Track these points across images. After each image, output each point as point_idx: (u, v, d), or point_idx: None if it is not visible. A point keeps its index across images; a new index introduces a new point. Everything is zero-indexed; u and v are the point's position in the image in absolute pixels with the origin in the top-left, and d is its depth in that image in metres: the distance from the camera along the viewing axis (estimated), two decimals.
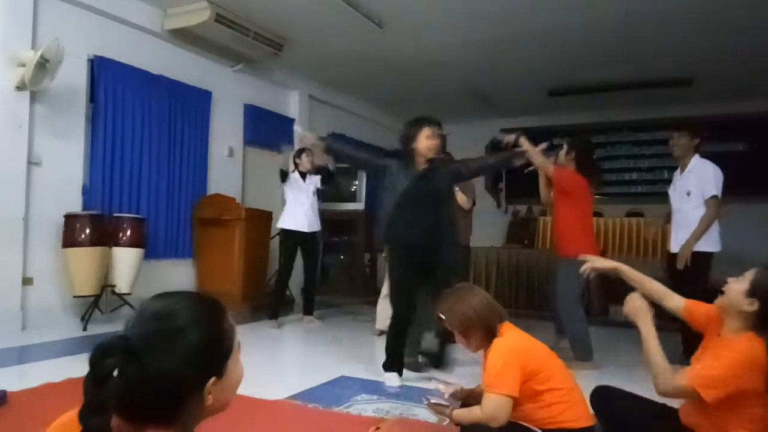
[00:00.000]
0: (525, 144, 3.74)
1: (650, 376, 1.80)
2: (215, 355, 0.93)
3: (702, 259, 3.89)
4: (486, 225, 7.26)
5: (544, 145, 3.89)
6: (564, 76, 7.16)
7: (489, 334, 1.98)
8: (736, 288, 1.76)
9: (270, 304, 5.38)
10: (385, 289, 5.11)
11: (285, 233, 5.31)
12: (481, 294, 2.07)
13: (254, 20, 5.52)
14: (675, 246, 4.04)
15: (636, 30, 5.58)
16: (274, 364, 4.11)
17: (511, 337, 1.97)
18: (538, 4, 5.05)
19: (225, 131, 6.37)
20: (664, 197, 4.52)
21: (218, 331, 0.95)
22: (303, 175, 5.36)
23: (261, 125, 6.83)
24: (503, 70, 6.96)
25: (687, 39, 5.75)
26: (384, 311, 5.06)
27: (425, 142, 3.35)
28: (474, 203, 5.00)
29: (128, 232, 4.84)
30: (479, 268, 6.87)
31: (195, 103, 5.94)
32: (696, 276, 3.78)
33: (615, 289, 6.54)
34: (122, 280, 4.81)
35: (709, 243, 3.92)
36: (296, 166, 5.42)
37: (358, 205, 7.62)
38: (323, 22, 5.57)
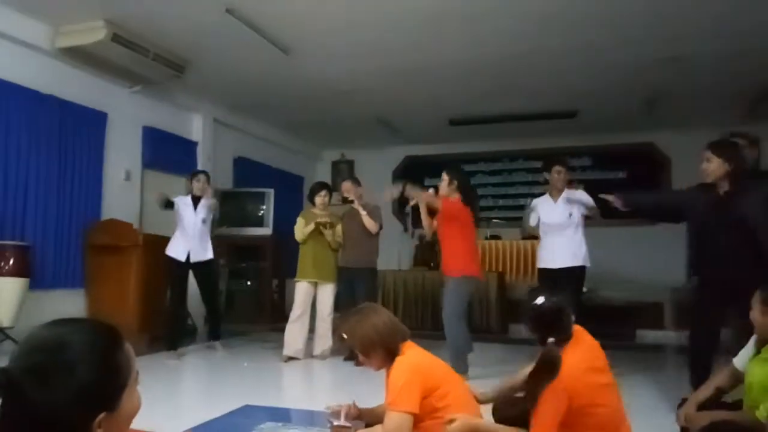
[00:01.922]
0: (411, 192, 4.21)
1: None
2: (108, 389, 0.87)
3: (578, 274, 4.33)
4: (393, 248, 7.41)
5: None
6: (464, 106, 7.54)
7: (390, 355, 2.04)
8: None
9: (167, 336, 5.16)
10: (293, 314, 5.07)
11: (168, 260, 5.14)
12: (384, 314, 2.12)
13: (154, 41, 5.37)
14: (560, 262, 4.36)
15: (527, 66, 6.02)
16: (173, 396, 3.93)
17: (412, 356, 2.04)
18: (438, 38, 5.32)
19: (122, 154, 6.09)
20: None
21: (113, 363, 0.89)
22: (195, 201, 5.20)
23: (161, 148, 6.60)
24: (407, 99, 7.22)
25: (572, 75, 6.28)
26: (293, 337, 5.01)
27: (701, 167, 3.17)
28: (381, 227, 5.11)
29: (11, 261, 4.48)
30: (387, 290, 6.99)
31: (88, 124, 5.64)
32: (573, 289, 4.11)
33: (513, 307, 6.90)
34: (4, 313, 4.42)
35: (585, 259, 4.37)
36: (190, 189, 5.26)
37: (266, 230, 7.52)
38: (227, 45, 5.53)
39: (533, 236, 8.08)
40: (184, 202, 5.16)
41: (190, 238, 5.08)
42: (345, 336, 2.09)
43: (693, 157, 8.03)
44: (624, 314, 6.59)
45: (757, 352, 2.30)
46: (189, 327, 6.12)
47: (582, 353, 1.97)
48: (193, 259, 5.08)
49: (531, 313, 2.06)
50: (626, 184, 8.34)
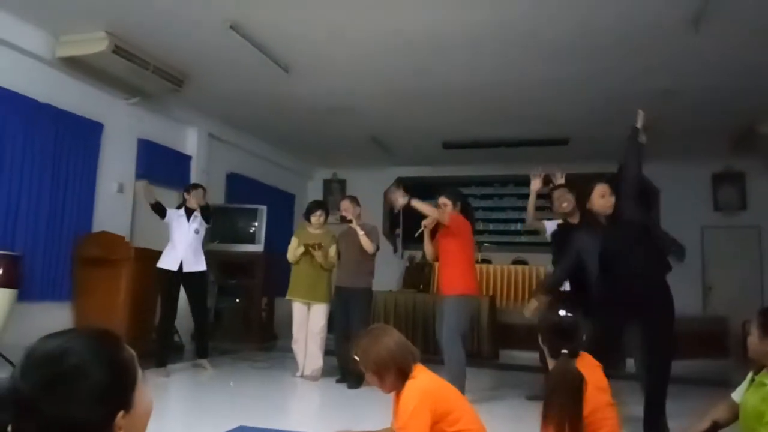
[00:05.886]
0: (417, 204, 4.18)
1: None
2: (120, 388, 0.88)
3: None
4: (384, 269, 7.36)
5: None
6: (457, 131, 7.61)
7: (402, 376, 2.03)
8: None
9: (156, 352, 5.07)
10: (295, 336, 5.13)
11: (160, 273, 5.10)
12: (395, 335, 2.11)
13: (155, 54, 5.37)
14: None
15: (520, 93, 6.11)
16: (163, 417, 3.83)
17: (423, 380, 2.03)
18: (437, 62, 5.39)
19: (116, 166, 6.03)
20: (545, 246, 4.92)
21: (119, 362, 0.90)
22: (189, 213, 5.20)
23: (155, 161, 6.55)
24: (402, 121, 7.28)
25: (565, 103, 6.39)
26: (302, 357, 5.07)
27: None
28: (378, 248, 5.10)
29: (0, 271, 4.38)
30: (378, 311, 6.95)
31: (84, 134, 5.58)
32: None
33: (505, 332, 6.91)
34: None
35: None
36: (184, 201, 5.27)
37: (257, 247, 7.45)
38: (228, 61, 5.54)
39: (522, 261, 8.16)
40: (177, 214, 5.16)
41: (183, 249, 5.08)
42: (357, 358, 2.07)
43: (681, 187, 8.15)
44: None
45: (752, 381, 2.33)
46: (176, 344, 6.02)
47: (587, 373, 2.00)
48: (185, 269, 5.05)
49: (552, 322, 2.19)
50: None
